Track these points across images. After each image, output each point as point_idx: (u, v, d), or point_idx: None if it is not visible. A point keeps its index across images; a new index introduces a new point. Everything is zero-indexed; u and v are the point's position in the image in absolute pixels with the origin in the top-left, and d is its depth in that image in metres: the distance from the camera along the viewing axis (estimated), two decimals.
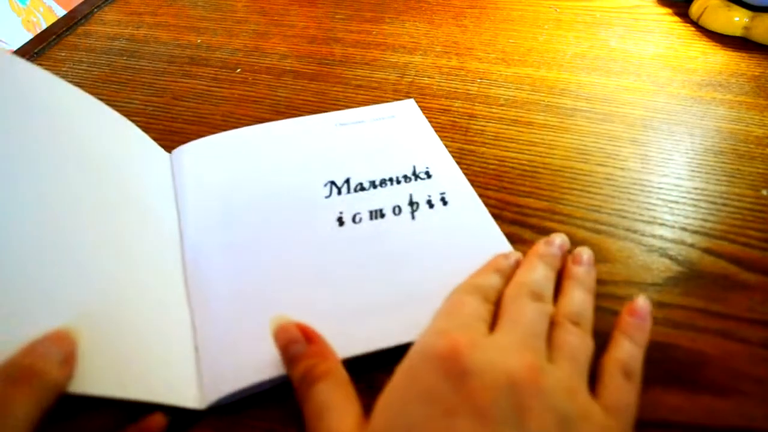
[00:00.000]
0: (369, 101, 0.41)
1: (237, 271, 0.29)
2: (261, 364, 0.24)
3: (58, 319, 0.21)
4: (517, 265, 0.27)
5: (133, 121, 0.35)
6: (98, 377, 0.21)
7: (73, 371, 0.20)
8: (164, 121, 0.40)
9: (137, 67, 0.46)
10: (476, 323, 0.22)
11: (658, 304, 0.27)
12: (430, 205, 0.32)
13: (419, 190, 0.33)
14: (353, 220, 0.31)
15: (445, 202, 0.32)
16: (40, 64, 0.46)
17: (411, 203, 0.32)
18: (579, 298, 0.25)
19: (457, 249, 0.29)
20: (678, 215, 0.32)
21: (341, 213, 0.31)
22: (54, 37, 0.50)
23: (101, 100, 0.42)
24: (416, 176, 0.34)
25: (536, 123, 0.39)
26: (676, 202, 0.33)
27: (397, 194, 0.32)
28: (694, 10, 0.49)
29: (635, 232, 0.31)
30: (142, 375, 0.23)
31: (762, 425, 0.23)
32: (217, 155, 0.36)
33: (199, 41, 0.50)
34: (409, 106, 0.40)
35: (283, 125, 0.38)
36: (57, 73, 0.45)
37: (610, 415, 0.20)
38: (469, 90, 0.42)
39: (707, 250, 0.30)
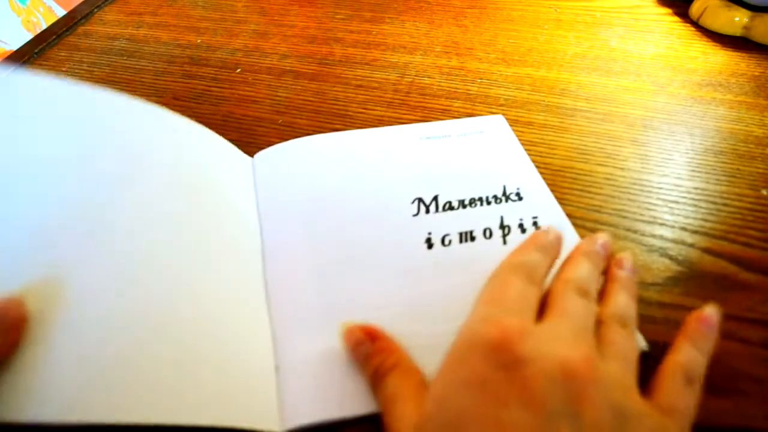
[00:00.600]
0: (369, 101, 0.41)
1: (321, 291, 0.28)
2: (347, 397, 0.23)
3: (138, 333, 0.22)
4: (558, 242, 0.26)
5: None
6: (172, 404, 0.21)
7: (17, 340, 0.19)
8: None
9: (137, 67, 0.46)
10: (523, 308, 0.22)
11: (658, 304, 0.27)
12: (522, 229, 0.30)
13: (510, 213, 0.31)
14: (442, 242, 0.29)
15: (537, 227, 0.30)
16: (40, 65, 0.47)
17: (502, 226, 0.30)
18: (623, 301, 0.24)
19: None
20: (678, 215, 0.32)
21: (430, 234, 0.30)
22: (54, 37, 0.50)
23: None
24: (507, 197, 0.32)
25: (536, 123, 0.39)
26: (676, 202, 0.33)
27: (487, 216, 0.31)
28: (694, 10, 0.49)
29: (635, 232, 0.31)
30: (220, 398, 0.22)
31: (762, 425, 0.23)
32: (299, 162, 0.35)
33: (199, 41, 0.50)
34: (498, 122, 0.38)
35: (366, 134, 0.37)
36: (57, 74, 0.45)
37: (665, 415, 0.20)
38: (469, 90, 0.42)
39: (707, 250, 0.30)
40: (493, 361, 0.19)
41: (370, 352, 0.24)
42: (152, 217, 0.26)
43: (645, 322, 0.26)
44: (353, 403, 0.23)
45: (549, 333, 0.20)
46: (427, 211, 0.31)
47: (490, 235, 0.30)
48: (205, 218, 0.28)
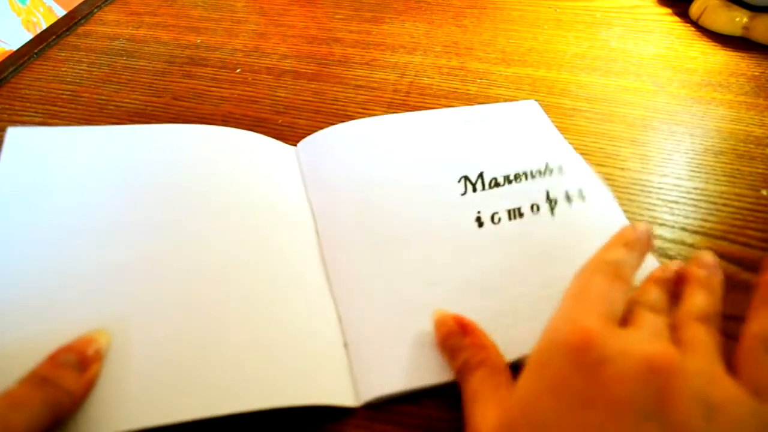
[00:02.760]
0: (368, 101, 0.41)
1: (379, 268, 0.28)
2: (418, 368, 0.24)
3: (210, 331, 0.23)
4: (647, 236, 0.24)
5: (133, 121, 0.35)
6: (250, 392, 0.22)
7: (92, 376, 0.21)
8: (164, 122, 0.40)
9: (137, 67, 0.46)
10: (607, 307, 0.21)
11: None
12: (569, 199, 0.31)
13: (555, 185, 0.32)
14: (492, 220, 0.30)
15: (583, 197, 0.31)
16: (40, 65, 0.47)
17: (548, 199, 0.31)
18: (701, 300, 0.23)
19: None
20: (678, 215, 0.32)
21: (479, 212, 0.30)
22: (54, 37, 0.50)
23: (101, 100, 0.42)
24: (550, 171, 0.33)
25: None
26: (676, 202, 0.33)
27: (533, 190, 0.32)
28: (694, 10, 0.49)
29: None
30: (296, 379, 0.23)
31: None
32: (343, 146, 0.35)
33: (198, 41, 0.50)
34: (532, 106, 0.39)
35: (409, 118, 0.38)
36: (57, 74, 0.45)
37: (760, 398, 0.18)
38: (469, 90, 0.42)
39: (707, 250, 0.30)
40: (576, 364, 0.19)
41: (460, 346, 0.24)
42: (213, 221, 0.28)
43: None
44: (424, 373, 0.24)
45: (630, 334, 0.20)
46: (474, 190, 0.32)
47: (538, 209, 0.31)
48: (263, 213, 0.30)
